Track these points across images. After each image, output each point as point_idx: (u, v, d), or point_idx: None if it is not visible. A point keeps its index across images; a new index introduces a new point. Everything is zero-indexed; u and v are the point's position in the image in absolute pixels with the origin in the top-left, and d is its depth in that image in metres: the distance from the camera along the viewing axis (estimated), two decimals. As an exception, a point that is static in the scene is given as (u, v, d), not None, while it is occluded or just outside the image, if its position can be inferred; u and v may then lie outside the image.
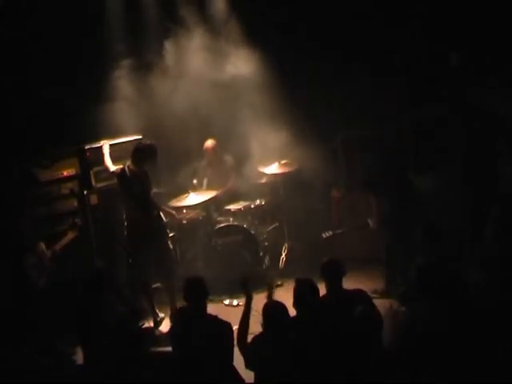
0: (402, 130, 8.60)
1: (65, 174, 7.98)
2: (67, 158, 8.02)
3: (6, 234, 6.94)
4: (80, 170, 8.06)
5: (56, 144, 8.02)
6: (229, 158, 9.06)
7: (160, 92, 8.45)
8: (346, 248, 8.74)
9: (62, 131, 8.09)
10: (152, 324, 7.49)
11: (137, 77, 8.58)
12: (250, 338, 5.18)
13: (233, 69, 8.54)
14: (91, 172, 8.08)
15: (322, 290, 5.53)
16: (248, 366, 5.10)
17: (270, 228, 8.97)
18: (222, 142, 8.96)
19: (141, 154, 7.43)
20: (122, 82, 8.55)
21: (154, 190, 7.74)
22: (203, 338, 5.17)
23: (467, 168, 8.14)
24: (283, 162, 8.78)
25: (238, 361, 5.22)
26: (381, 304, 6.68)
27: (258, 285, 5.95)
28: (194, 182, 8.65)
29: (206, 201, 8.48)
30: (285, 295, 6.05)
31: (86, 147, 8.07)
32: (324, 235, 8.65)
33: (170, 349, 5.50)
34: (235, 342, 5.21)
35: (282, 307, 5.05)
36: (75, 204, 7.96)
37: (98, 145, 7.99)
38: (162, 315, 7.59)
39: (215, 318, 5.36)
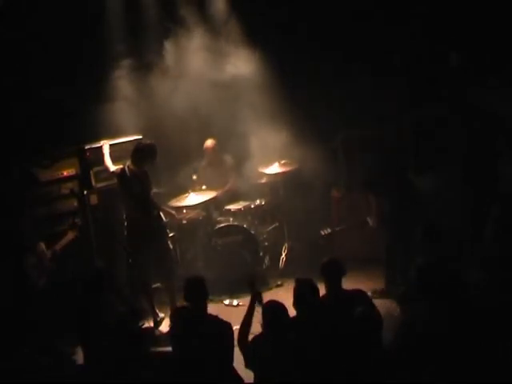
0: (402, 129, 8.59)
1: (65, 173, 7.98)
2: (67, 158, 8.02)
3: (6, 234, 6.94)
4: (80, 170, 8.06)
5: (56, 144, 8.02)
6: (229, 158, 9.06)
7: (160, 92, 8.45)
8: (346, 248, 8.74)
9: (62, 131, 8.09)
10: (152, 324, 7.49)
11: (137, 77, 8.58)
12: (250, 338, 5.18)
13: (233, 69, 8.54)
14: (91, 172, 8.08)
15: (322, 290, 5.53)
16: (248, 365, 5.10)
17: (270, 228, 8.97)
18: (222, 142, 8.96)
19: (141, 153, 7.43)
20: (122, 82, 8.55)
21: (154, 190, 7.74)
22: (203, 338, 5.17)
23: (467, 168, 8.14)
24: (283, 161, 8.79)
25: (238, 361, 5.22)
26: (381, 304, 6.72)
27: (258, 285, 5.93)
28: (194, 177, 8.64)
29: (206, 201, 8.49)
30: (285, 295, 6.07)
31: (86, 147, 8.07)
32: (322, 232, 8.66)
33: (169, 349, 5.50)
34: (236, 341, 5.21)
35: (281, 307, 5.05)
36: (75, 204, 7.96)
37: (98, 145, 7.99)
38: (162, 315, 7.59)
39: (215, 318, 5.36)
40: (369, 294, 7.21)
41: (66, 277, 7.27)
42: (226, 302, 7.98)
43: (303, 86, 8.83)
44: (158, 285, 7.92)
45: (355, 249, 8.67)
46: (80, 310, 5.75)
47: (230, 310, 7.66)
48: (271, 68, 8.57)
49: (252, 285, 5.43)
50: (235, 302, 7.90)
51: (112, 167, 7.68)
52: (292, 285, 5.46)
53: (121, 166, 7.53)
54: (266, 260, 8.78)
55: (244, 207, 8.75)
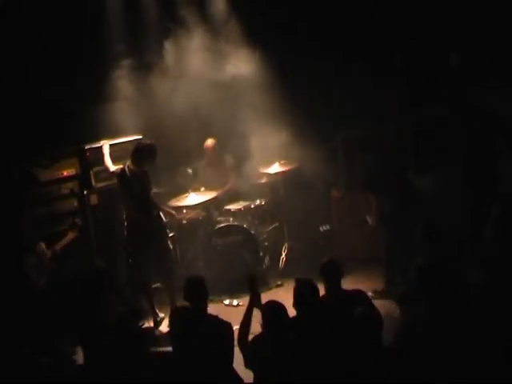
0: (402, 129, 8.59)
1: (65, 173, 7.98)
2: (67, 158, 8.02)
3: (6, 234, 6.94)
4: (80, 170, 8.06)
5: (56, 144, 8.02)
6: (229, 158, 9.06)
7: (160, 92, 8.44)
8: (346, 248, 8.76)
9: (62, 131, 8.09)
10: (152, 324, 7.49)
11: (137, 77, 8.57)
12: (249, 338, 5.18)
13: (233, 69, 8.54)
14: (91, 172, 8.08)
15: (322, 290, 5.53)
16: (247, 365, 5.10)
17: (270, 228, 8.97)
18: (222, 142, 8.97)
19: (141, 153, 7.43)
20: (122, 82, 8.55)
21: (154, 190, 7.74)
22: (203, 338, 5.17)
23: (467, 168, 8.14)
24: (283, 161, 8.79)
25: (238, 361, 5.22)
26: (381, 304, 6.72)
27: (258, 285, 5.93)
28: (189, 171, 8.64)
29: (206, 201, 8.49)
30: (285, 295, 6.07)
31: (86, 147, 8.07)
32: (321, 229, 8.66)
33: (170, 349, 5.50)
34: (236, 341, 5.21)
35: (281, 307, 5.06)
36: (75, 204, 7.96)
37: (98, 145, 7.99)
38: (162, 315, 7.59)
39: (215, 318, 5.36)
40: (369, 294, 7.24)
41: (66, 277, 7.27)
42: (226, 301, 7.98)
43: (303, 86, 8.83)
44: (157, 285, 7.92)
45: (355, 249, 8.68)
46: (80, 310, 5.75)
47: (230, 310, 7.66)
48: (271, 68, 8.57)
49: (252, 284, 5.43)
50: (235, 302, 7.90)
51: (112, 167, 7.68)
52: (292, 285, 5.47)
53: (121, 166, 7.53)
54: (266, 260, 8.78)
55: (244, 207, 8.75)
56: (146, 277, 7.67)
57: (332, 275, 5.58)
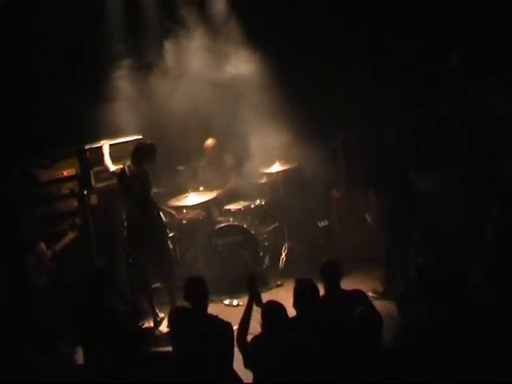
0: (402, 130, 8.59)
1: (65, 173, 7.98)
2: (67, 158, 8.02)
3: (6, 234, 6.94)
4: (80, 170, 8.05)
5: (56, 144, 8.02)
6: (229, 158, 9.06)
7: (160, 92, 8.45)
8: (346, 248, 8.76)
9: (62, 131, 8.09)
10: (152, 324, 7.49)
11: (137, 77, 8.58)
12: (249, 338, 5.18)
13: (233, 69, 8.54)
14: (91, 172, 8.08)
15: (322, 290, 5.53)
16: (247, 365, 5.10)
17: (270, 228, 8.97)
18: (222, 142, 8.97)
19: (141, 153, 7.43)
20: (122, 82, 8.55)
21: (154, 190, 7.74)
22: (203, 338, 5.17)
23: (467, 168, 8.14)
24: (283, 161, 8.79)
25: (237, 360, 5.22)
26: (381, 304, 6.72)
27: (257, 285, 5.92)
28: (181, 168, 8.66)
29: (206, 201, 8.49)
30: (285, 295, 6.06)
31: (86, 147, 8.07)
32: (320, 224, 8.65)
33: (170, 349, 5.50)
34: (235, 341, 5.21)
35: (280, 307, 5.06)
36: (75, 204, 7.96)
37: (98, 145, 7.99)
38: (162, 315, 7.59)
39: (215, 318, 5.36)
40: (369, 294, 7.25)
41: (66, 277, 7.27)
42: (226, 302, 7.98)
43: (303, 86, 8.83)
44: (157, 285, 7.92)
45: (355, 249, 8.69)
46: (80, 310, 5.75)
47: (230, 310, 7.66)
48: (271, 68, 8.57)
49: (251, 284, 5.43)
50: (235, 302, 7.90)
51: (112, 167, 7.68)
52: (292, 285, 5.47)
53: (121, 166, 7.53)
54: (266, 260, 8.78)
55: (244, 207, 8.75)
56: (146, 277, 7.67)
57: (331, 275, 5.58)
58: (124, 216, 7.62)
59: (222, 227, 8.51)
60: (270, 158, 8.76)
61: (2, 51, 7.70)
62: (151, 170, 7.63)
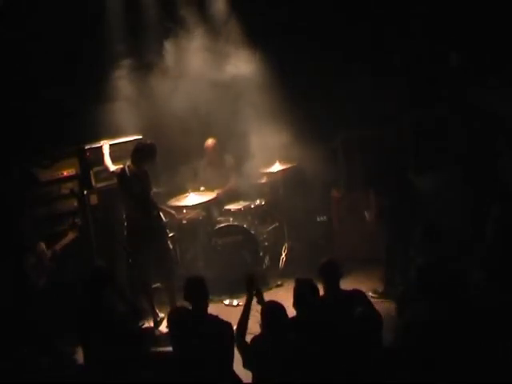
0: (402, 130, 8.59)
1: (65, 173, 7.98)
2: (67, 158, 8.02)
3: (5, 234, 6.94)
4: (80, 170, 8.05)
5: (56, 144, 8.02)
6: (229, 158, 9.06)
7: (160, 92, 8.44)
8: (346, 248, 8.76)
9: (62, 131, 8.09)
10: (152, 324, 7.49)
11: (137, 77, 8.58)
12: (249, 338, 5.18)
13: (233, 69, 8.54)
14: (91, 172, 8.07)
15: (321, 290, 5.53)
16: (246, 365, 5.10)
17: (270, 228, 8.97)
18: (222, 142, 8.97)
19: (141, 153, 7.43)
20: (122, 82, 8.55)
21: (154, 190, 7.74)
22: (203, 338, 5.17)
23: (467, 168, 8.14)
24: (283, 161, 8.80)
25: (236, 360, 5.22)
26: (381, 304, 6.72)
27: (258, 285, 5.92)
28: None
29: (206, 201, 8.49)
30: (285, 295, 6.06)
31: (86, 147, 8.07)
32: (318, 219, 8.65)
33: (170, 349, 5.50)
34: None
35: (280, 307, 5.06)
36: (75, 204, 7.95)
37: (98, 145, 7.99)
38: (162, 315, 7.58)
39: (216, 317, 5.36)
40: (369, 294, 7.26)
41: (66, 277, 7.27)
42: (226, 302, 7.98)
43: (303, 86, 8.83)
44: (157, 285, 7.92)
45: (355, 249, 8.69)
46: (80, 310, 5.75)
47: (230, 310, 7.65)
48: (271, 68, 8.57)
49: (249, 284, 5.44)
50: (235, 302, 7.89)
51: (112, 167, 7.68)
52: (292, 285, 5.47)
53: (121, 166, 7.53)
54: (266, 260, 8.78)
55: (244, 207, 8.75)
56: (146, 277, 7.67)
57: (331, 276, 5.58)
58: (124, 216, 7.62)
59: (222, 227, 8.51)
60: (270, 158, 8.76)
61: (2, 51, 7.69)
62: (151, 170, 7.63)
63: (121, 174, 7.47)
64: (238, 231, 8.48)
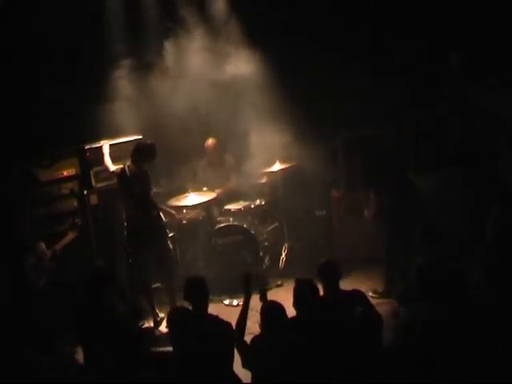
0: (402, 129, 8.59)
1: (65, 173, 7.98)
2: (67, 158, 8.02)
3: (6, 234, 6.94)
4: (80, 170, 8.05)
5: (56, 144, 8.02)
6: (229, 158, 9.07)
7: (160, 92, 8.44)
8: (346, 248, 8.76)
9: (62, 131, 8.09)
10: (152, 324, 7.49)
11: (137, 77, 8.58)
12: (249, 339, 5.18)
13: (233, 69, 8.54)
14: (91, 172, 8.08)
15: (321, 290, 5.53)
16: (246, 365, 5.10)
17: (270, 228, 8.97)
18: (222, 142, 8.97)
19: (140, 153, 7.43)
20: (122, 82, 8.55)
21: (154, 190, 7.74)
22: (203, 338, 5.17)
23: (467, 168, 8.14)
24: (283, 161, 8.80)
25: (236, 360, 5.22)
26: (381, 304, 6.72)
27: (257, 285, 5.93)
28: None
29: (206, 201, 8.49)
30: (285, 295, 6.06)
31: (86, 147, 8.07)
32: (317, 213, 8.65)
33: (170, 349, 5.50)
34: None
35: (279, 307, 5.06)
36: (75, 204, 7.95)
37: (98, 145, 7.99)
38: (162, 315, 7.58)
39: (216, 318, 5.36)
40: (369, 294, 7.26)
41: (66, 277, 7.27)
42: (226, 302, 7.99)
43: (303, 86, 8.83)
44: (157, 285, 7.92)
45: (355, 249, 8.68)
46: (80, 310, 5.75)
47: (230, 310, 7.65)
48: (271, 68, 8.57)
49: (246, 284, 5.44)
50: (235, 302, 7.89)
51: (112, 167, 7.68)
52: (292, 285, 5.47)
53: (121, 166, 7.53)
54: (266, 260, 8.77)
55: (244, 207, 8.75)
56: (146, 277, 7.67)
57: (330, 276, 5.57)
58: (124, 216, 7.62)
59: (222, 227, 8.51)
60: (270, 158, 8.76)
61: (1, 51, 7.69)
62: (151, 170, 7.63)
63: (121, 174, 7.47)
64: (238, 231, 8.48)
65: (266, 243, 8.80)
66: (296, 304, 5.26)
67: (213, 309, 5.57)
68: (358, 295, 5.53)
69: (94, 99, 8.29)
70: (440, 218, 7.29)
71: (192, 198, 8.42)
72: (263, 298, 5.41)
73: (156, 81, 8.50)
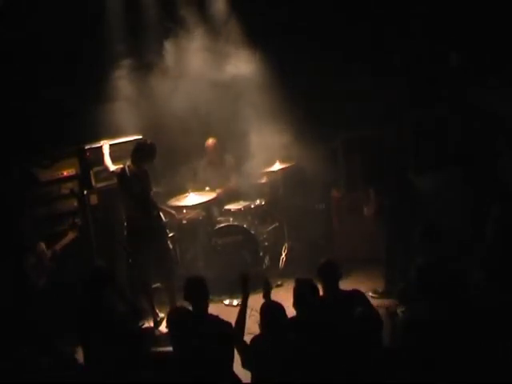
0: (402, 129, 8.59)
1: (65, 173, 7.98)
2: (67, 158, 8.02)
3: (5, 234, 6.94)
4: (80, 170, 8.05)
5: (56, 144, 8.02)
6: (229, 158, 9.07)
7: (160, 92, 8.44)
8: (346, 248, 8.76)
9: (62, 131, 8.09)
10: (152, 324, 7.49)
11: (137, 77, 8.58)
12: (249, 339, 5.18)
13: (233, 69, 8.54)
14: (91, 172, 8.08)
15: (320, 290, 5.53)
16: (245, 365, 5.10)
17: (270, 228, 8.97)
18: (222, 142, 8.97)
19: (141, 153, 7.43)
20: (122, 82, 8.55)
21: (154, 190, 7.74)
22: (203, 338, 5.17)
23: (467, 168, 8.14)
24: (283, 161, 8.80)
25: (236, 360, 5.22)
26: (381, 304, 6.72)
27: (257, 285, 5.93)
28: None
29: (206, 201, 8.49)
30: (285, 295, 6.06)
31: (86, 147, 8.07)
32: (317, 206, 8.64)
33: (170, 349, 5.50)
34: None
35: (279, 307, 5.06)
36: (75, 204, 7.96)
37: (98, 145, 7.99)
38: (162, 315, 7.59)
39: (216, 318, 5.36)
40: (369, 294, 7.26)
41: (66, 277, 7.27)
42: (226, 302, 7.98)
43: (303, 86, 8.83)
44: (157, 285, 7.92)
45: (355, 249, 8.68)
46: (80, 310, 5.75)
47: (230, 309, 7.65)
48: (271, 68, 8.57)
49: (244, 284, 5.44)
50: (235, 302, 7.89)
51: (112, 167, 7.68)
52: (292, 285, 5.47)
53: (121, 166, 7.54)
54: (266, 260, 8.77)
55: (244, 207, 8.75)
56: (146, 277, 7.67)
57: (330, 276, 5.57)
58: (124, 216, 7.63)
59: (222, 227, 8.51)
60: (270, 158, 8.76)
61: (1, 51, 7.69)
62: (151, 170, 7.63)
63: (121, 174, 7.48)
64: (238, 231, 8.48)
65: (266, 243, 8.80)
66: (296, 304, 5.26)
67: (213, 309, 5.57)
68: (357, 295, 5.53)
69: (94, 99, 8.29)
70: (440, 218, 7.29)
71: (192, 198, 8.42)
72: (267, 296, 5.41)
73: (156, 81, 8.50)
